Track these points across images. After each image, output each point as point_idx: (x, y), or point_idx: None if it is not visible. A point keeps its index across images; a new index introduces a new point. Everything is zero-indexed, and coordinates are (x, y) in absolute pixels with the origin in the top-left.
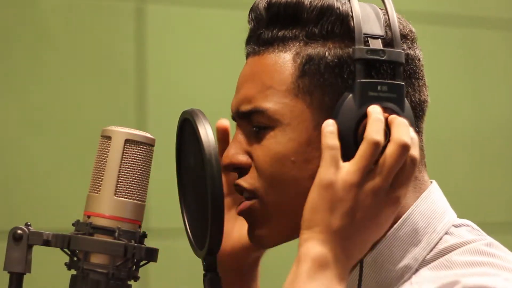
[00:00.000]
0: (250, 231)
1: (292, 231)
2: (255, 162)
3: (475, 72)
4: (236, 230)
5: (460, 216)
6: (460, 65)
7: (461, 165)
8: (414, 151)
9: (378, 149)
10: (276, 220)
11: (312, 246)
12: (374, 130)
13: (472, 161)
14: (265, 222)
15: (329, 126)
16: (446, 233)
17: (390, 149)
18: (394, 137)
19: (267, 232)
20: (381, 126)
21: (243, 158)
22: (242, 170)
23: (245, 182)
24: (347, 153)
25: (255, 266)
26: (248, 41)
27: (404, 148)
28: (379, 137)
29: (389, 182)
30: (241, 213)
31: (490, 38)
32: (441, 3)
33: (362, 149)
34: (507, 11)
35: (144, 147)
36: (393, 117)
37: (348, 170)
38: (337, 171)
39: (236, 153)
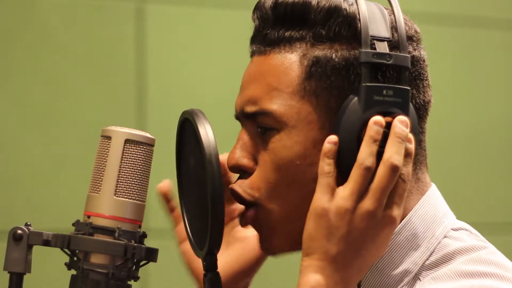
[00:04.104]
0: (259, 240)
1: (300, 236)
2: (260, 167)
3: (474, 72)
4: (221, 260)
5: (460, 216)
6: (459, 65)
7: (460, 165)
8: (405, 169)
9: (370, 173)
10: (282, 227)
11: (311, 273)
12: (366, 153)
13: (471, 161)
14: (271, 231)
15: (329, 145)
16: (445, 237)
17: (380, 171)
18: (385, 158)
19: (275, 241)
20: (375, 148)
21: (249, 162)
22: (245, 173)
23: (244, 190)
24: (349, 157)
25: None
26: (253, 40)
27: (394, 170)
28: (369, 162)
29: (383, 204)
30: (246, 224)
31: (490, 38)
32: (441, 3)
33: (354, 174)
34: (507, 11)
35: (144, 147)
36: (393, 126)
37: (341, 196)
38: (331, 198)
39: (242, 156)
